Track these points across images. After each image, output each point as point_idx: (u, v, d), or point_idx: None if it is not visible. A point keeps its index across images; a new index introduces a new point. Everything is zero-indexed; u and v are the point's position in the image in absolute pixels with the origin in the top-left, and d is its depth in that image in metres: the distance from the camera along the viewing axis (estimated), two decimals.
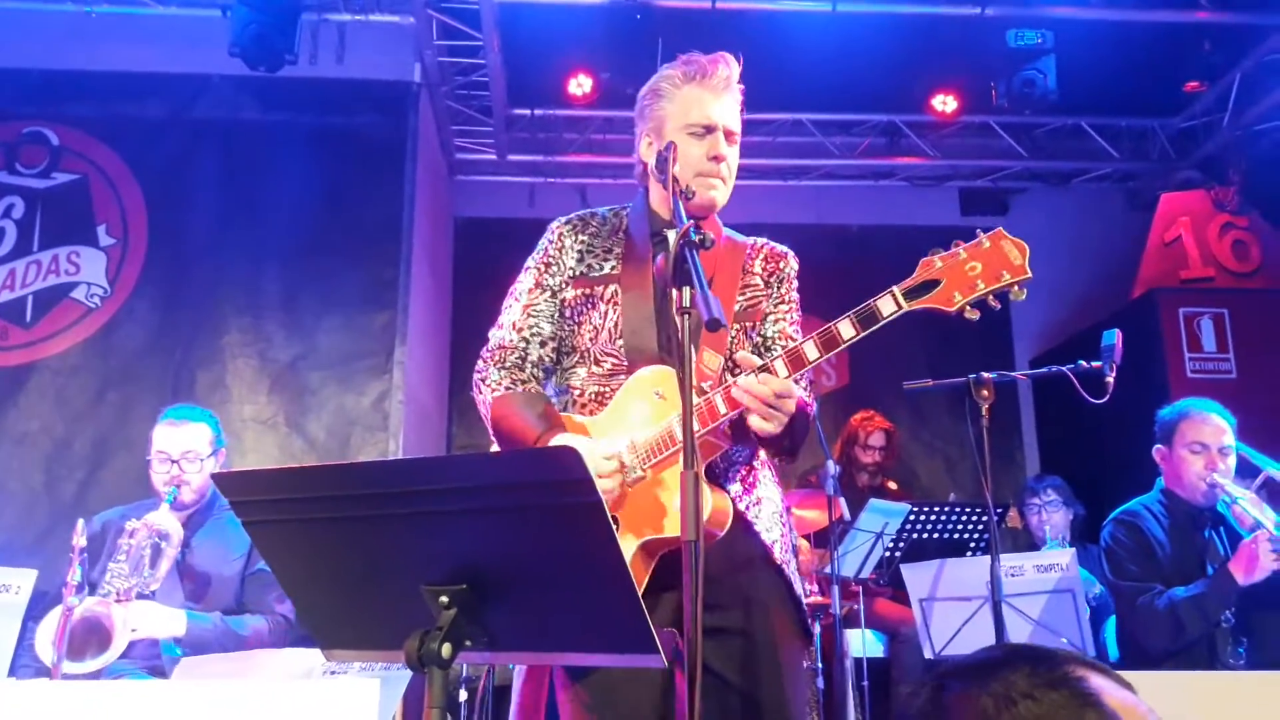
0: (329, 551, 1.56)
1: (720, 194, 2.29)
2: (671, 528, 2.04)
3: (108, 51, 5.62)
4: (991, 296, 2.04)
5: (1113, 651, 3.93)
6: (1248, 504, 3.40)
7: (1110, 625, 4.11)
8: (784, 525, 2.29)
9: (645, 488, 2.11)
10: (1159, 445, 3.70)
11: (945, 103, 6.79)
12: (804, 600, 2.26)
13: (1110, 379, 3.33)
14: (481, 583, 1.42)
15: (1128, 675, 1.09)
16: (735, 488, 2.22)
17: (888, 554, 4.62)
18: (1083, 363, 3.46)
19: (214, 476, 1.66)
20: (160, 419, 3.69)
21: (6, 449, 5.14)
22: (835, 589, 4.17)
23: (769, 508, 2.26)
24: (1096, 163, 7.29)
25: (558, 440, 2.12)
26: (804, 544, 4.87)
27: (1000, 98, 6.00)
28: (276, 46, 5.26)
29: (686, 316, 1.76)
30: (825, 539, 4.41)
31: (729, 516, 2.12)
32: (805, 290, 2.43)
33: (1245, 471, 3.57)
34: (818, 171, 7.39)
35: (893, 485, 5.64)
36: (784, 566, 2.22)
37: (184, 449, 3.58)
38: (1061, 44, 5.82)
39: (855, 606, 4.56)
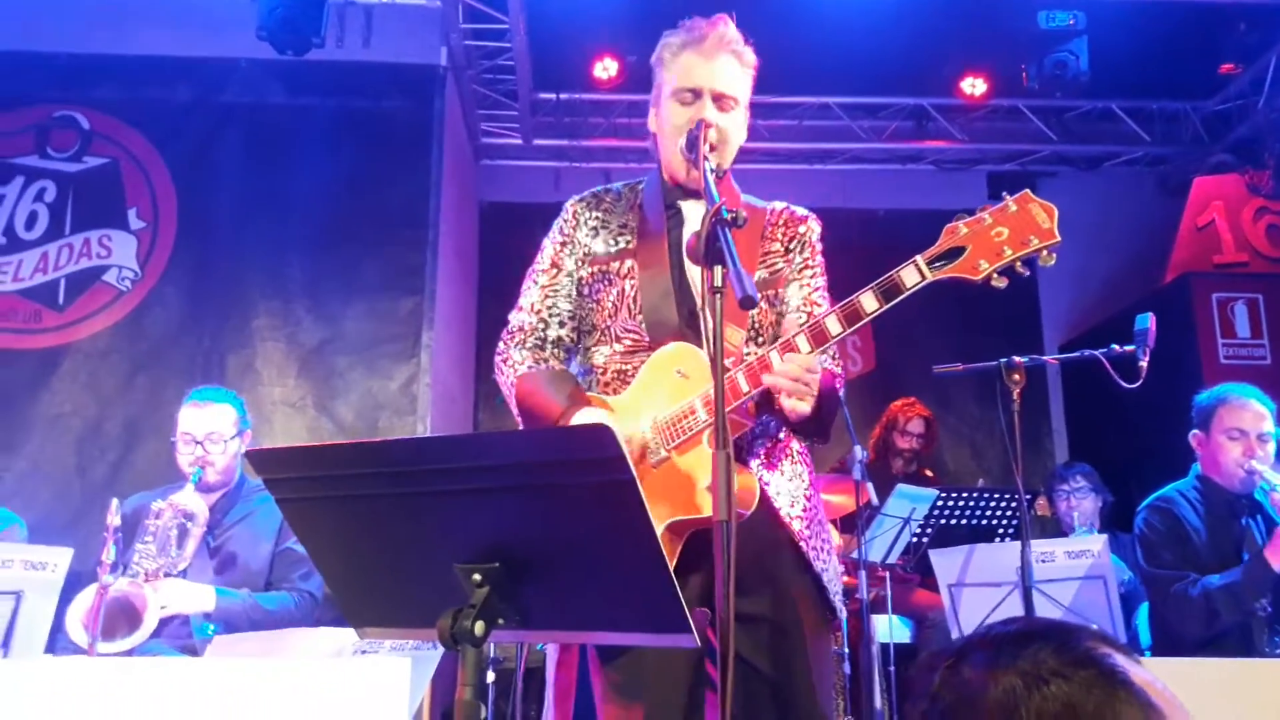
0: (362, 529, 1.55)
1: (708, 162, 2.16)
2: (697, 508, 2.00)
3: (136, 35, 5.64)
4: (1019, 263, 1.95)
5: (1145, 638, 3.90)
6: None
7: (1142, 613, 4.07)
8: (809, 503, 2.20)
9: (669, 468, 2.07)
10: (1196, 431, 3.65)
11: (974, 85, 6.71)
12: (827, 580, 2.17)
13: (1144, 363, 3.29)
14: (514, 561, 1.41)
15: (1163, 662, 1.06)
16: (755, 464, 2.16)
17: (915, 539, 4.59)
18: (1115, 347, 3.42)
19: (248, 454, 1.67)
20: (185, 400, 3.70)
21: (40, 431, 5.21)
22: (862, 574, 4.15)
23: (792, 486, 2.19)
24: (1128, 146, 7.19)
25: (580, 416, 2.08)
26: (831, 529, 4.85)
27: (1031, 80, 5.94)
28: (304, 30, 5.26)
29: (719, 296, 1.73)
30: (852, 524, 4.40)
31: (755, 496, 2.06)
32: (831, 273, 2.36)
33: None
34: (844, 155, 7.33)
35: (929, 473, 5.61)
36: (803, 545, 2.14)
37: (208, 430, 3.58)
38: (1093, 25, 5.74)
39: (882, 592, 4.55)
